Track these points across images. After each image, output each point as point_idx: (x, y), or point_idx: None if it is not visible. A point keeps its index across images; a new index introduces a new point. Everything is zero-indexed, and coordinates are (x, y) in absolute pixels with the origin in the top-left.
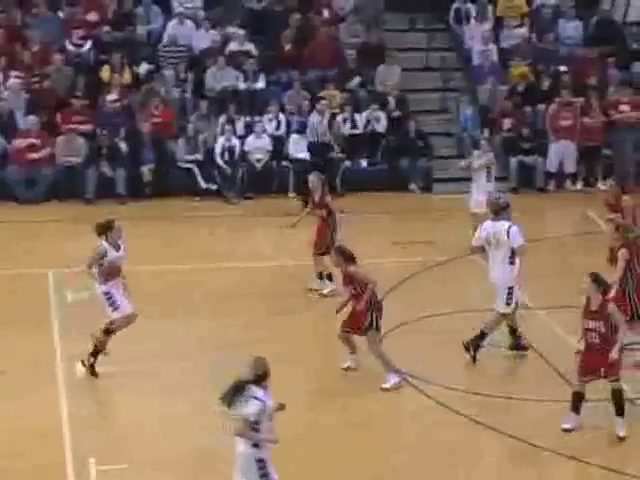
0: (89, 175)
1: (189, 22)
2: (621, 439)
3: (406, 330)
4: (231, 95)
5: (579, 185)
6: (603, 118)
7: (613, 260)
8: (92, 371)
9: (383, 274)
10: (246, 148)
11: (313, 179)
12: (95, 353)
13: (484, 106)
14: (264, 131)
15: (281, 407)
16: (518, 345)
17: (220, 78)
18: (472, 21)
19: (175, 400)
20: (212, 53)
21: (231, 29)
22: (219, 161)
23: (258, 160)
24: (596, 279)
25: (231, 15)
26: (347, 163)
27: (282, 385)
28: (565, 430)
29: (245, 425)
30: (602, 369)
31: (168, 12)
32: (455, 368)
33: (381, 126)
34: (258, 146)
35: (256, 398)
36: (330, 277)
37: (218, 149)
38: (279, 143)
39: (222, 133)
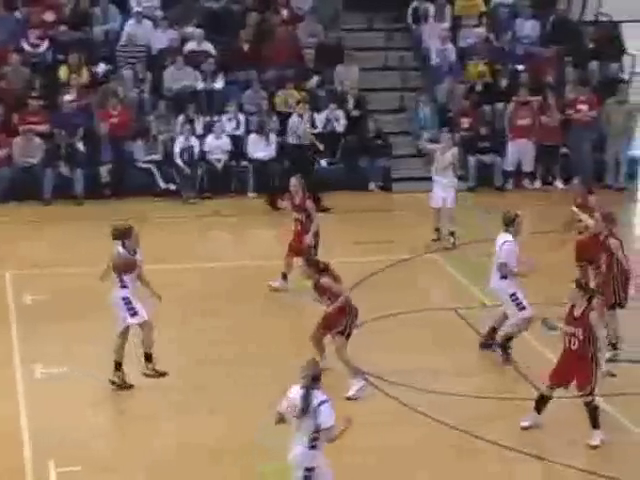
0: (47, 176)
1: (147, 22)
2: (593, 447)
3: (366, 329)
4: (190, 95)
5: (537, 184)
6: (561, 117)
7: (579, 256)
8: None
9: (344, 273)
10: (205, 148)
11: (294, 182)
12: (149, 357)
13: (442, 105)
14: (223, 131)
15: None
16: (485, 344)
17: (178, 78)
18: (430, 20)
19: (134, 403)
20: (170, 53)
21: (189, 29)
22: (178, 161)
23: (217, 160)
24: (581, 286)
25: (189, 15)
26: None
27: (247, 386)
28: (523, 428)
29: (330, 434)
30: (574, 381)
31: (126, 12)
32: (415, 367)
33: (340, 125)
34: (217, 146)
35: (324, 402)
36: (285, 276)
37: (177, 149)
38: (238, 143)
39: (181, 133)
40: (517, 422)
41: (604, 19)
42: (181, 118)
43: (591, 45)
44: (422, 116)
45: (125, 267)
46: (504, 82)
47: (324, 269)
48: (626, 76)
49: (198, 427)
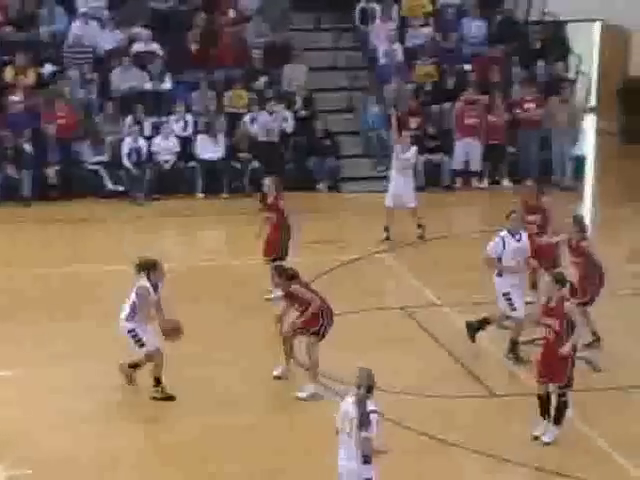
0: None
1: (93, 22)
2: (545, 444)
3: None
4: (137, 96)
5: (485, 183)
6: (508, 116)
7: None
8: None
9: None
10: (153, 149)
11: (268, 182)
12: (158, 382)
13: (390, 105)
14: (171, 132)
15: None
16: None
17: (126, 79)
18: (377, 21)
19: (83, 405)
20: (117, 54)
21: (136, 29)
22: (126, 162)
23: (165, 161)
24: (557, 279)
25: (136, 15)
26: (255, 163)
27: (195, 386)
28: (535, 438)
29: (370, 444)
30: (552, 375)
31: (72, 12)
32: (364, 366)
33: (288, 126)
34: (165, 147)
35: (373, 412)
36: None
37: (125, 150)
38: (186, 144)
39: (129, 134)
40: (464, 418)
41: (549, 19)
42: (129, 119)
43: (537, 45)
44: (370, 116)
45: (174, 333)
46: (451, 82)
47: (293, 276)
48: (572, 75)
49: (151, 429)
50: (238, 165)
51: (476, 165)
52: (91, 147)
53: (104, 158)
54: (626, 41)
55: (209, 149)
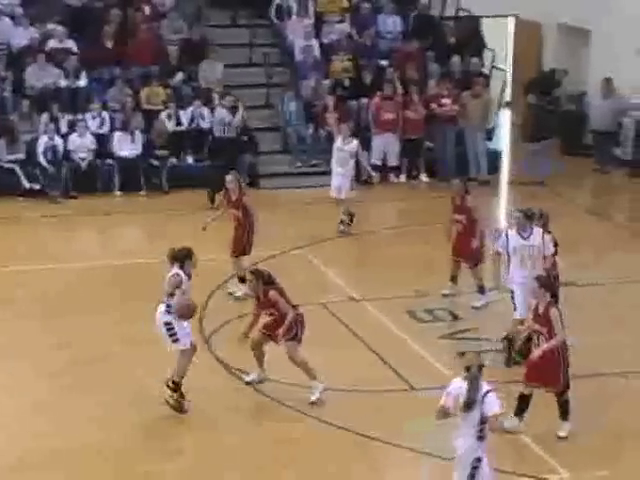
0: None
1: (7, 19)
2: (560, 439)
3: (234, 327)
4: (53, 93)
5: (402, 178)
6: (424, 111)
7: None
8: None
9: (213, 271)
10: (69, 147)
11: (231, 178)
12: (175, 388)
13: (308, 101)
14: (87, 129)
15: None
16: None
17: (41, 76)
18: (293, 17)
19: (17, 401)
20: (31, 51)
21: (50, 26)
22: (42, 160)
23: (82, 159)
24: (543, 284)
25: (50, 12)
26: (173, 160)
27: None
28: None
29: (497, 422)
30: (544, 379)
31: None
32: (286, 363)
33: (206, 122)
34: (81, 144)
35: (489, 391)
36: (243, 279)
37: (41, 148)
38: (103, 141)
39: (44, 132)
40: (385, 413)
41: (464, 14)
42: (44, 117)
43: (452, 40)
44: (288, 112)
45: (187, 311)
46: (368, 78)
47: (270, 281)
48: (487, 71)
49: (68, 428)
50: (156, 162)
51: (394, 160)
52: (6, 145)
53: (20, 156)
54: (540, 36)
55: (126, 146)
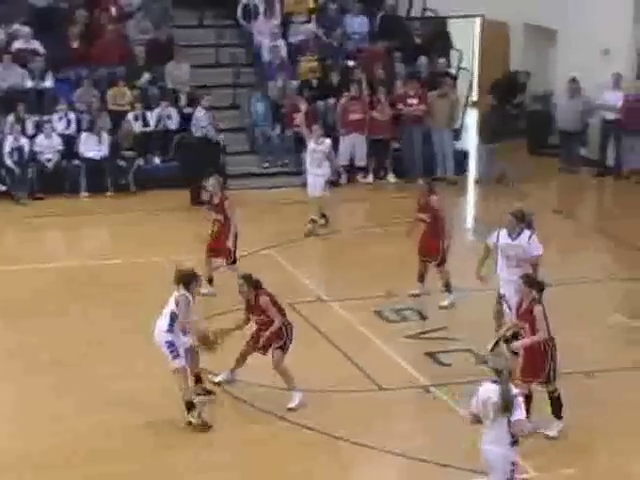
0: None
1: None
2: (549, 438)
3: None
4: (19, 94)
5: (370, 178)
6: (391, 112)
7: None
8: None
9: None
10: (36, 148)
11: (212, 182)
12: (190, 406)
13: (275, 101)
14: (54, 130)
15: None
16: None
17: (6, 77)
18: (260, 17)
19: None
20: None
21: (16, 26)
22: (8, 161)
23: (48, 160)
24: (528, 281)
25: (15, 12)
26: (140, 161)
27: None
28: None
29: (523, 427)
30: (533, 374)
31: None
32: (254, 364)
33: (173, 123)
34: (48, 145)
35: (517, 396)
36: (211, 281)
37: (6, 149)
38: (70, 142)
39: (10, 133)
40: (353, 413)
41: (430, 15)
42: (10, 118)
43: (419, 40)
44: (255, 113)
45: (207, 340)
46: (335, 78)
47: (259, 286)
48: (453, 71)
49: (32, 430)
50: (123, 163)
51: (361, 160)
52: None
53: None
54: (506, 36)
55: (93, 147)
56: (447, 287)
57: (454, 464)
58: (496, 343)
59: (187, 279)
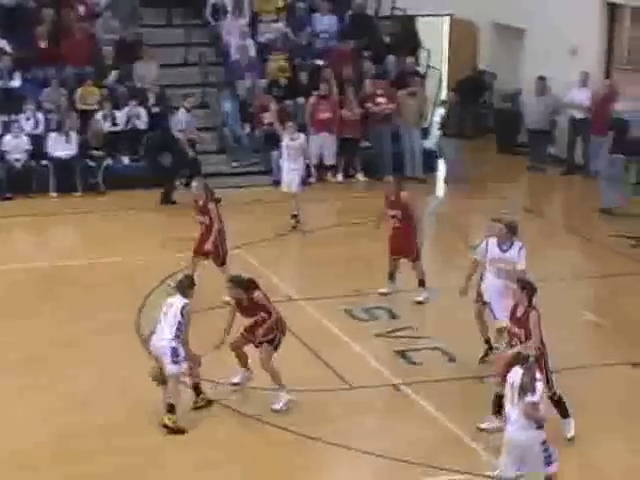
0: None
1: None
2: (569, 440)
3: None
4: None
5: (339, 177)
6: (360, 111)
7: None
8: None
9: (151, 271)
10: (3, 148)
11: (197, 185)
12: (171, 409)
13: (244, 101)
14: (21, 130)
15: None
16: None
17: None
18: (229, 16)
19: None
20: None
21: None
22: None
23: (16, 160)
24: (524, 286)
25: None
26: (109, 160)
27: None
28: (481, 429)
29: (535, 408)
30: None
31: None
32: (222, 364)
33: (142, 122)
34: (16, 145)
35: (539, 380)
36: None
37: None
38: (38, 142)
39: None
40: (324, 412)
41: (399, 14)
42: None
43: (388, 39)
44: (224, 112)
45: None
46: (304, 77)
47: (251, 285)
48: (422, 70)
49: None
50: (91, 163)
51: (330, 159)
52: None
53: None
54: (474, 35)
55: (61, 147)
56: (422, 282)
57: (424, 462)
58: (486, 354)
59: (187, 288)
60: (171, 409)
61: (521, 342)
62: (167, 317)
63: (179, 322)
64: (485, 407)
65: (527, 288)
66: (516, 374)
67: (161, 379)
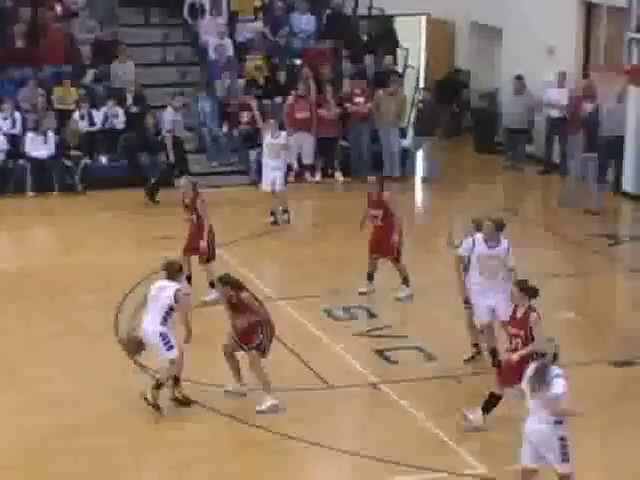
0: None
1: None
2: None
3: None
4: None
5: (317, 177)
6: (338, 110)
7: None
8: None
9: (128, 272)
10: None
11: (184, 183)
12: (158, 387)
13: (222, 101)
14: None
15: None
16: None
17: None
18: (207, 16)
19: None
20: None
21: None
22: None
23: None
24: (523, 288)
25: None
26: (86, 160)
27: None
28: (465, 418)
29: (557, 404)
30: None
31: None
32: (200, 364)
33: (120, 122)
34: None
35: (559, 376)
36: (189, 279)
37: None
38: (15, 142)
39: None
40: (303, 411)
41: (377, 13)
42: None
43: (366, 39)
44: (202, 112)
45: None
46: (282, 77)
47: (241, 286)
48: (400, 69)
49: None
50: (69, 162)
51: (309, 159)
52: None
53: None
54: (452, 34)
55: (39, 147)
56: (405, 280)
57: (403, 462)
58: (473, 357)
59: (177, 272)
60: (159, 387)
61: (522, 343)
62: (157, 302)
63: (169, 306)
64: (464, 406)
65: (526, 289)
66: (532, 368)
67: (133, 349)
